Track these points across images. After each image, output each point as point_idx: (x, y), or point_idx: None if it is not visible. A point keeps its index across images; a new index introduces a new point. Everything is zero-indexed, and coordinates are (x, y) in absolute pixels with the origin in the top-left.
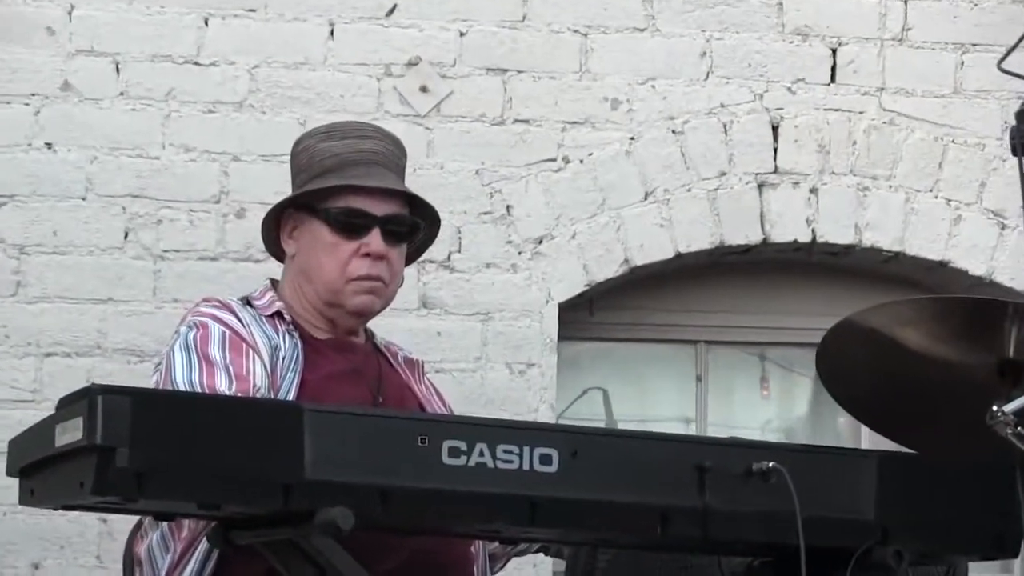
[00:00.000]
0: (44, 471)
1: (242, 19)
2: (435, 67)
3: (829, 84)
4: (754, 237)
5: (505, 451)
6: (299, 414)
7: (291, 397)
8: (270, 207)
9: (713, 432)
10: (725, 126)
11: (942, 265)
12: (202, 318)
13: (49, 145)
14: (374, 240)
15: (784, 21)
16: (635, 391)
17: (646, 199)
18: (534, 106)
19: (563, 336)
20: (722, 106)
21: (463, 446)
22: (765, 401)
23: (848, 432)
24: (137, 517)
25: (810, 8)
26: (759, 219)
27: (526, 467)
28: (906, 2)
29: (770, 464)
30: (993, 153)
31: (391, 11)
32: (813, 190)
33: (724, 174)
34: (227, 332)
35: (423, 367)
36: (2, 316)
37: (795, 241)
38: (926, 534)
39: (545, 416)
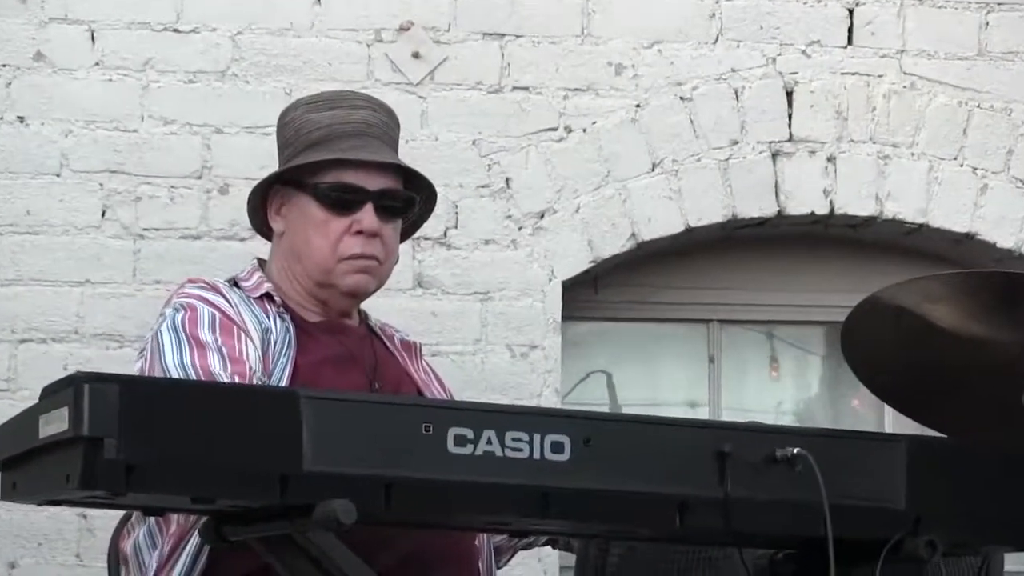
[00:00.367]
0: (27, 464)
1: None
2: (428, 32)
3: (846, 46)
4: (768, 209)
5: (514, 439)
6: (296, 401)
7: (284, 383)
8: (255, 182)
9: (727, 417)
10: (736, 92)
11: (968, 238)
12: (189, 299)
13: (21, 119)
14: (367, 216)
15: None
16: (643, 373)
17: (653, 170)
18: (534, 72)
19: (567, 316)
20: (733, 71)
21: (470, 434)
22: (780, 383)
23: (869, 414)
24: (123, 512)
25: None
26: (773, 190)
27: (536, 455)
28: None
29: (795, 450)
30: (1021, 118)
31: None
32: (830, 159)
33: (736, 143)
34: (217, 314)
35: (420, 350)
36: None
37: (812, 213)
38: (960, 523)
39: (549, 401)
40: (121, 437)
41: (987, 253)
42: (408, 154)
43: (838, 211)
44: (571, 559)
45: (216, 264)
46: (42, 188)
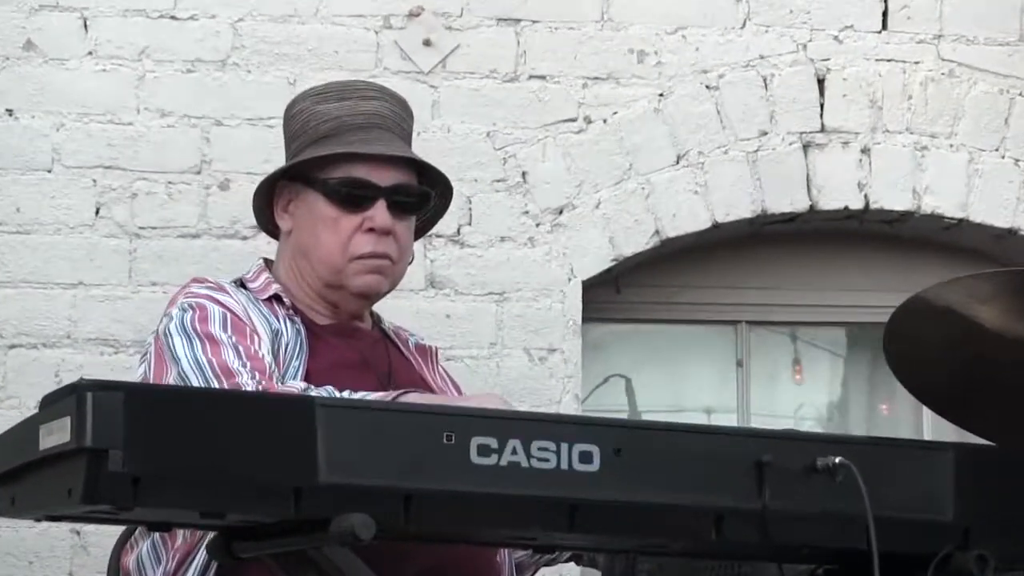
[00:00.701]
0: (26, 477)
1: None
2: (440, 18)
3: (881, 31)
4: (799, 204)
5: (541, 448)
6: (311, 409)
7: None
8: (259, 178)
9: (756, 424)
10: (765, 80)
11: (1010, 233)
12: (197, 299)
13: (10, 112)
14: (379, 213)
15: None
16: (667, 378)
17: (678, 163)
18: (551, 60)
19: (587, 317)
20: (761, 57)
21: (494, 443)
22: (811, 387)
23: (903, 420)
24: (123, 527)
25: None
26: (805, 184)
27: (564, 466)
28: None
29: (837, 459)
30: None
31: None
32: (865, 151)
33: (765, 134)
34: (228, 314)
35: (437, 354)
36: None
37: (845, 208)
38: (1012, 536)
39: (569, 408)
40: (127, 448)
41: None
42: (418, 147)
43: (873, 206)
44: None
45: (217, 264)
46: (32, 185)
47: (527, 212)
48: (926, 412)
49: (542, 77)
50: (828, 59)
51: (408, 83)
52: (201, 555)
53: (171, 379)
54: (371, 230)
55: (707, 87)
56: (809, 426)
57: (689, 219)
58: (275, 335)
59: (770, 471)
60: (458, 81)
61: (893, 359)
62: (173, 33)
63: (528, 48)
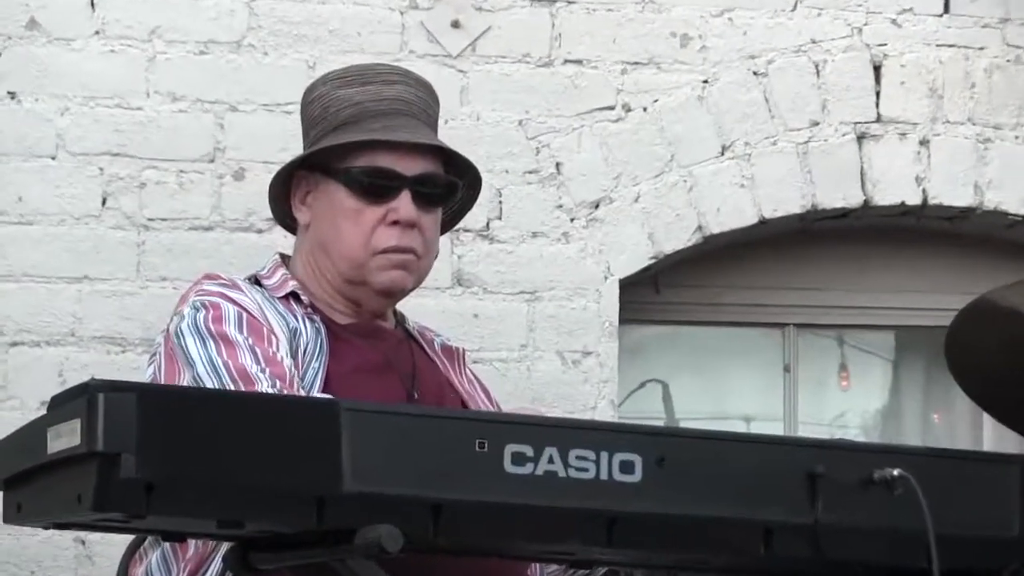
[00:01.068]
0: (33, 483)
1: None
2: None
3: (942, 15)
4: (853, 199)
5: (579, 457)
6: (335, 413)
7: (316, 392)
8: (276, 167)
9: (805, 433)
10: (817, 66)
11: None
12: (210, 297)
13: (12, 95)
14: (404, 205)
15: None
16: (709, 384)
17: (723, 154)
18: (588, 44)
19: (624, 319)
20: (813, 42)
21: (529, 451)
22: (863, 394)
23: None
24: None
25: None
26: (859, 178)
27: (604, 476)
28: None
29: (895, 471)
30: None
31: None
32: (923, 142)
33: (816, 124)
34: (243, 313)
35: (465, 356)
36: None
37: (902, 204)
38: None
39: (605, 415)
40: (140, 453)
41: None
42: (446, 135)
43: (931, 201)
44: None
45: (230, 259)
46: (35, 172)
47: (561, 206)
48: (987, 421)
49: (578, 62)
50: (885, 44)
51: (435, 67)
52: (215, 566)
53: (184, 382)
54: (395, 223)
55: (755, 73)
56: (856, 435)
57: (734, 214)
58: (293, 334)
59: (823, 483)
60: (488, 65)
61: (954, 365)
62: (185, 12)
63: (564, 31)
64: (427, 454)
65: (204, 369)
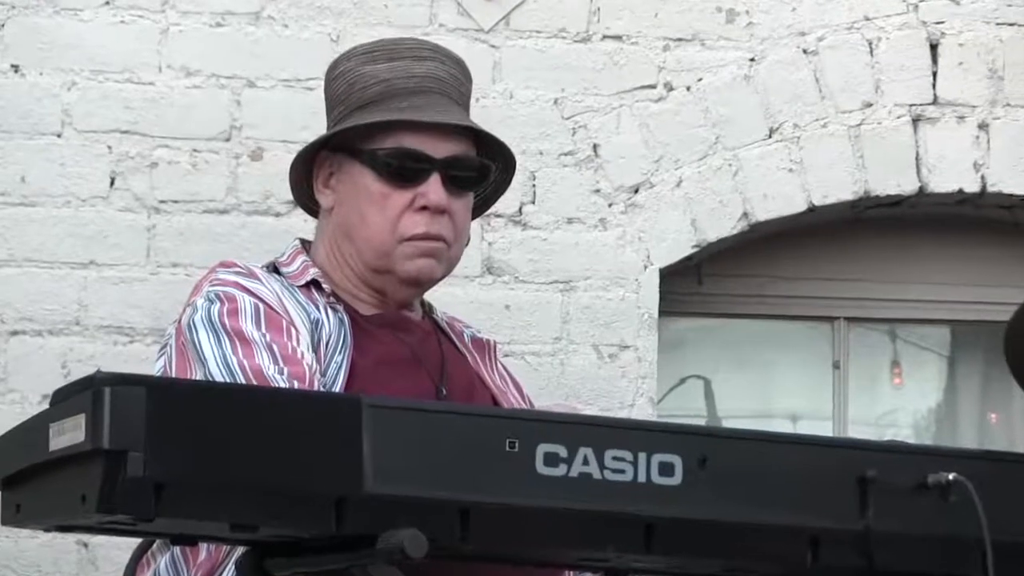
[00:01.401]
0: (34, 482)
1: None
2: None
3: None
4: (908, 186)
5: (615, 458)
6: (357, 410)
7: (338, 388)
8: (297, 148)
9: (854, 433)
10: (871, 44)
11: None
12: (225, 288)
13: (16, 68)
14: (433, 189)
15: None
16: (754, 380)
17: (770, 137)
18: (628, 18)
19: (665, 311)
20: (867, 19)
21: (563, 452)
22: (918, 392)
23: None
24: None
25: None
26: (914, 163)
27: (641, 478)
28: None
29: (950, 476)
30: None
31: None
32: (982, 126)
33: (869, 106)
34: (261, 305)
35: (496, 349)
36: None
37: (959, 191)
38: None
39: (643, 412)
40: (148, 451)
41: None
42: (477, 115)
43: (990, 188)
44: None
45: (246, 244)
46: (40, 151)
47: (598, 190)
48: None
49: (618, 37)
50: (943, 22)
51: (466, 42)
52: (228, 573)
53: None
54: (424, 208)
55: (804, 52)
56: (908, 436)
57: (782, 201)
58: (315, 325)
59: (874, 488)
60: (522, 41)
61: (1014, 362)
62: None
63: (603, 4)
64: (454, 454)
65: (217, 368)
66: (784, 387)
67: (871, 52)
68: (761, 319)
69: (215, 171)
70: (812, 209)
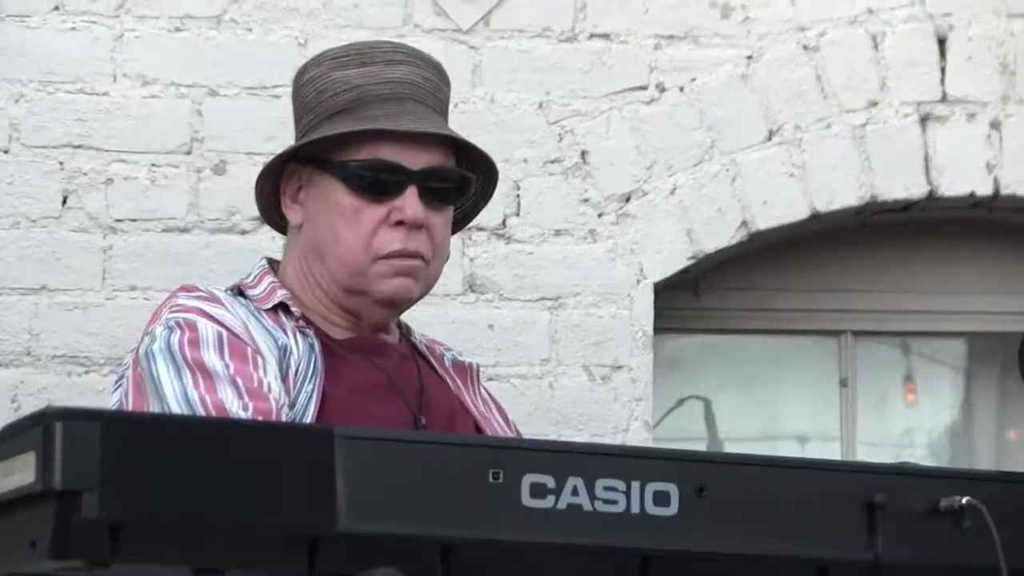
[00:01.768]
0: None
1: None
2: None
3: None
4: (916, 190)
5: (607, 488)
6: (329, 442)
7: (309, 419)
8: (264, 160)
9: (864, 455)
10: (875, 39)
11: None
12: (185, 315)
13: None
14: (410, 203)
15: None
16: (756, 400)
17: (770, 140)
18: (616, 16)
19: (660, 328)
20: (871, 12)
21: (551, 482)
22: (930, 410)
23: None
24: None
25: None
26: (923, 165)
27: (635, 509)
28: None
29: (964, 500)
30: None
31: None
32: (995, 125)
33: (875, 104)
34: (224, 332)
35: (479, 373)
36: None
37: (972, 194)
38: None
39: (638, 438)
40: (104, 490)
41: None
42: (456, 122)
43: (1004, 191)
44: None
45: (209, 265)
46: None
47: (587, 200)
48: None
49: (606, 36)
50: (951, 14)
51: (443, 43)
52: None
53: None
54: (400, 223)
55: (805, 48)
56: (923, 457)
57: (783, 208)
58: (283, 352)
59: (884, 514)
60: (504, 41)
61: None
62: None
63: (589, 1)
64: (434, 487)
65: (176, 403)
66: (788, 407)
67: (875, 47)
68: (763, 334)
69: (175, 187)
70: (815, 216)
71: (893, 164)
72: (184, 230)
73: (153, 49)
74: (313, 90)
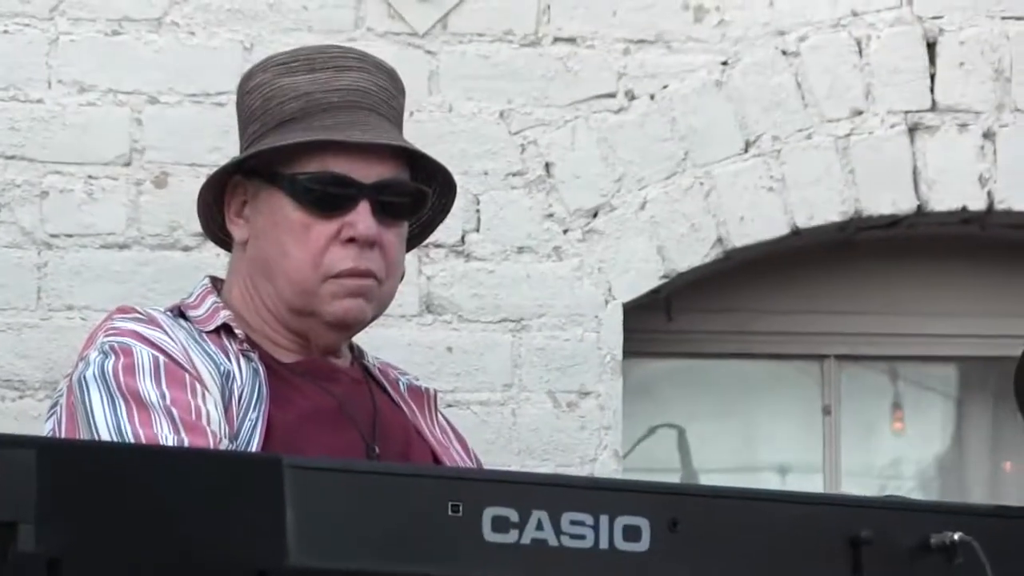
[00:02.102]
0: None
1: None
2: None
3: None
4: (904, 204)
5: (574, 522)
6: (278, 473)
7: (255, 447)
8: (207, 172)
9: (849, 487)
10: (860, 43)
11: None
12: (121, 339)
13: None
14: (361, 218)
15: None
16: (733, 429)
17: (747, 151)
18: (583, 18)
19: (630, 352)
20: (855, 15)
21: (514, 516)
22: (919, 439)
23: None
24: None
25: None
26: (911, 178)
27: (604, 544)
28: None
29: (955, 535)
30: None
31: None
32: (987, 135)
33: (860, 113)
34: (161, 358)
35: (436, 399)
36: None
37: (963, 209)
38: None
39: (607, 468)
40: (40, 522)
41: None
42: (412, 131)
43: (998, 206)
44: None
45: (150, 283)
46: None
47: (551, 215)
48: None
49: (571, 40)
50: (940, 17)
51: (397, 48)
52: None
53: None
54: (351, 240)
55: (784, 53)
56: (911, 489)
57: (761, 224)
58: (226, 378)
59: (869, 551)
60: (462, 46)
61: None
62: None
63: (553, 2)
64: (390, 520)
65: (109, 436)
66: (768, 436)
67: (860, 52)
68: (740, 359)
69: (114, 200)
70: (796, 232)
71: (879, 177)
72: (123, 246)
73: (90, 54)
74: (259, 98)
